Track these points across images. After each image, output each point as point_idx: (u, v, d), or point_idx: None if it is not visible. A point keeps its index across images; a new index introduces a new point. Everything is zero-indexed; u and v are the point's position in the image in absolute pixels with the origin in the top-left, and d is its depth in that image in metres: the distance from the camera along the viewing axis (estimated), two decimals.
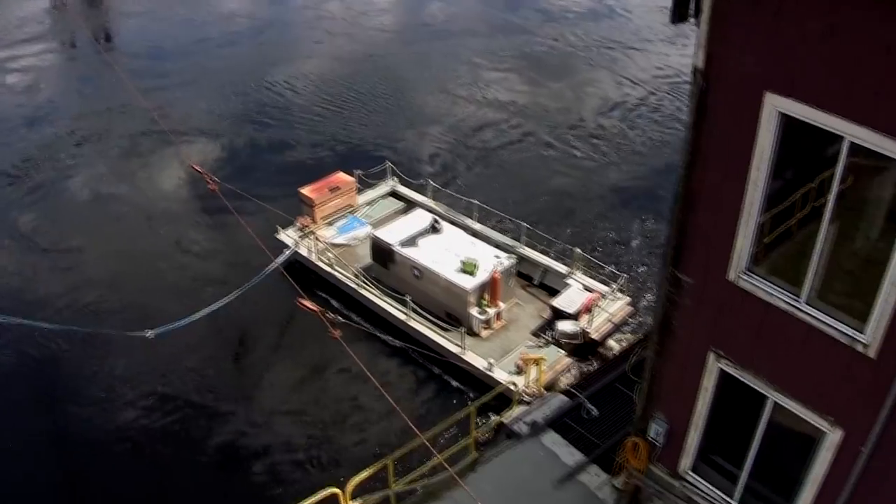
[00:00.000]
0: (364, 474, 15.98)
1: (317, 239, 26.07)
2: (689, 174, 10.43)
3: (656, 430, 12.91)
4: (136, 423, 21.75)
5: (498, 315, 23.04)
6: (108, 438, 21.45)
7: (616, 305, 23.02)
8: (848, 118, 8.40)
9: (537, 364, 20.19)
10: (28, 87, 41.21)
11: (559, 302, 22.78)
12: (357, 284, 24.62)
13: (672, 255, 11.15)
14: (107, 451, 21.14)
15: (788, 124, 9.13)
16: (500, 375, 20.60)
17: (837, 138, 8.63)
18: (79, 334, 23.23)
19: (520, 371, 20.55)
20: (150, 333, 21.21)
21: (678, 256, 11.10)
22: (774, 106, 9.11)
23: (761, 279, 10.17)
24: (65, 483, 20.55)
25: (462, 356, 21.81)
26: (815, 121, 8.75)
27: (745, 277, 10.27)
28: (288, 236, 26.35)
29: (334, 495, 15.64)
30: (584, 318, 22.14)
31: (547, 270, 24.60)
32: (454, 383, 22.12)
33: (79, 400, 22.55)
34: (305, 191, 26.63)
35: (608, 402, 18.97)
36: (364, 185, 28.49)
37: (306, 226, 26.45)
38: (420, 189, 28.37)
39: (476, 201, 26.23)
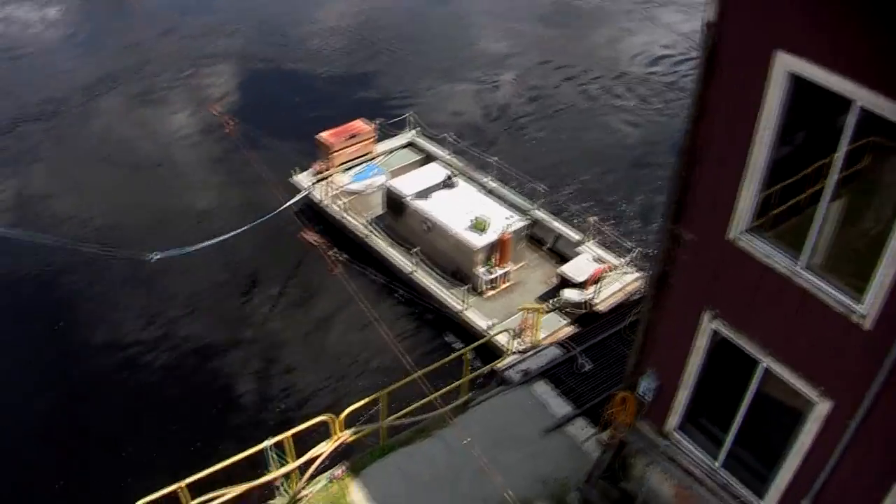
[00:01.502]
0: (356, 405, 16.20)
1: (331, 184, 25.94)
2: (696, 128, 10.12)
3: (646, 386, 12.76)
4: (131, 347, 22.02)
5: (504, 276, 22.85)
6: (102, 361, 21.72)
7: (625, 279, 22.68)
8: (858, 82, 8.05)
9: (535, 314, 20.07)
10: (47, 26, 41.31)
11: (568, 269, 22.53)
12: (367, 232, 24.52)
13: (673, 211, 10.89)
14: (100, 373, 21.42)
15: (798, 85, 8.78)
16: (501, 337, 20.43)
17: (848, 103, 8.29)
18: (83, 254, 23.28)
19: (519, 334, 20.37)
20: (153, 257, 21.34)
21: (679, 212, 10.83)
22: (784, 65, 8.76)
23: (761, 240, 9.87)
24: (59, 405, 20.73)
25: (464, 313, 21.70)
26: (825, 83, 8.40)
27: (744, 238, 9.99)
28: (302, 180, 26.26)
29: (327, 423, 15.88)
30: (591, 289, 21.88)
31: (560, 236, 24.30)
32: (452, 338, 22.02)
33: (77, 319, 22.86)
34: (323, 136, 26.49)
35: (602, 357, 18.88)
36: (384, 134, 28.28)
37: (321, 171, 26.33)
38: (439, 143, 28.03)
39: (495, 159, 25.93)
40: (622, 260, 23.08)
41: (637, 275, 22.85)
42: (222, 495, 15.13)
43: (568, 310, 21.64)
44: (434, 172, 24.97)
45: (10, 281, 24.33)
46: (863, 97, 8.08)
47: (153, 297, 23.58)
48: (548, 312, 21.31)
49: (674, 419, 12.73)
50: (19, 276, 24.52)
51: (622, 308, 21.05)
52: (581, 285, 21.94)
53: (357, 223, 24.93)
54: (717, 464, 12.06)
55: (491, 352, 20.18)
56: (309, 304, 23.62)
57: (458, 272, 22.80)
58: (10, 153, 30.46)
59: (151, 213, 26.85)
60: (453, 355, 18.62)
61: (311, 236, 22.39)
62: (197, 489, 14.69)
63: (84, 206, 27.33)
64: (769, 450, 11.08)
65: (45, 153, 30.59)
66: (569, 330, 21.08)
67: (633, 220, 26.75)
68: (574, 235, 23.99)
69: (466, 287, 21.97)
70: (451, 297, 22.17)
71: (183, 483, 14.34)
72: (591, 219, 23.77)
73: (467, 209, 23.09)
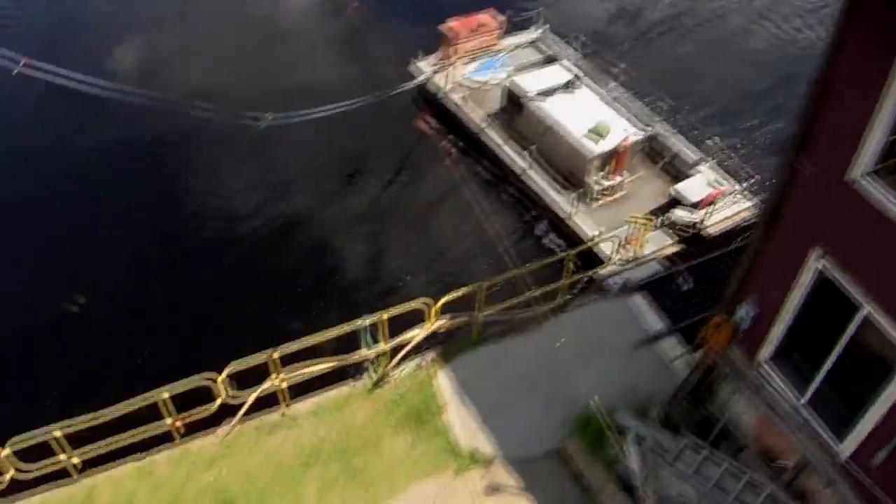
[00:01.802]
0: (454, 295, 16.50)
1: (451, 74, 25.89)
2: (831, 60, 9.71)
3: (743, 313, 12.69)
4: (234, 216, 22.85)
5: (616, 187, 22.65)
6: (204, 227, 22.62)
7: (738, 206, 22.19)
8: None
9: (644, 225, 20.01)
10: None
11: (682, 188, 22.16)
12: (483, 126, 24.52)
13: (796, 143, 10.57)
14: (202, 239, 22.32)
15: None
16: (605, 245, 20.42)
17: None
18: (195, 117, 23.44)
19: (624, 245, 20.32)
20: (263, 121, 21.63)
21: (802, 145, 10.51)
22: None
23: (881, 185, 9.54)
24: (158, 268, 21.67)
25: (571, 219, 21.73)
26: None
27: (864, 180, 9.66)
28: (422, 67, 26.27)
29: (423, 308, 16.28)
30: (703, 211, 21.53)
31: (677, 154, 23.75)
32: (556, 241, 22.11)
33: (181, 180, 23.67)
34: (449, 25, 26.26)
35: (702, 279, 18.73)
36: (510, 29, 27.77)
37: (443, 59, 26.25)
38: (566, 44, 27.42)
39: (622, 66, 25.36)
40: (738, 186, 22.51)
41: (750, 203, 22.29)
42: (311, 367, 15.83)
43: (676, 229, 21.39)
44: (557, 73, 24.61)
45: (120, 144, 24.95)
46: None
47: (261, 166, 24.23)
48: (656, 228, 21.16)
49: (766, 350, 12.67)
50: (130, 140, 25.11)
51: (730, 234, 20.64)
52: (693, 206, 21.61)
53: (474, 116, 24.89)
54: (802, 400, 12.02)
55: (592, 259, 20.24)
56: (417, 190, 23.96)
57: (570, 177, 22.70)
58: (136, 14, 31.05)
59: (268, 83, 27.17)
60: (555, 257, 18.78)
61: (426, 123, 22.50)
62: (287, 360, 15.41)
63: (202, 69, 27.80)
64: (856, 395, 10.98)
65: (170, 15, 31.04)
66: (673, 248, 20.88)
67: (755, 147, 25.88)
68: (692, 155, 23.45)
69: (577, 193, 21.90)
70: (560, 201, 22.17)
71: (275, 354, 15.04)
72: (713, 140, 23.16)
73: (587, 115, 22.80)
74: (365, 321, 15.81)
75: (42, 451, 14.54)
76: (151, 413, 14.97)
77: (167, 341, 19.77)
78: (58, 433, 14.20)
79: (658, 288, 18.46)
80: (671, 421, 14.81)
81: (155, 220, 22.85)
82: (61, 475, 15.27)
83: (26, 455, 14.55)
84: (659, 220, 21.64)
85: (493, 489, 14.95)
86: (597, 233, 20.92)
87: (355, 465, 15.40)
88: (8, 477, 14.69)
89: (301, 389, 16.38)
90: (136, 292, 21.00)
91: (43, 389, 18.77)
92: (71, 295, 20.50)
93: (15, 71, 19.32)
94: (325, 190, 23.60)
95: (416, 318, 16.68)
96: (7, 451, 14.12)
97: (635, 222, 20.07)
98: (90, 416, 14.20)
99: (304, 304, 20.62)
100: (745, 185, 22.42)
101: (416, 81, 25.29)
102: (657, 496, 13.19)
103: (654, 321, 17.56)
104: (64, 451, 14.64)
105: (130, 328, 20.19)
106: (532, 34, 28.10)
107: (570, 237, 21.65)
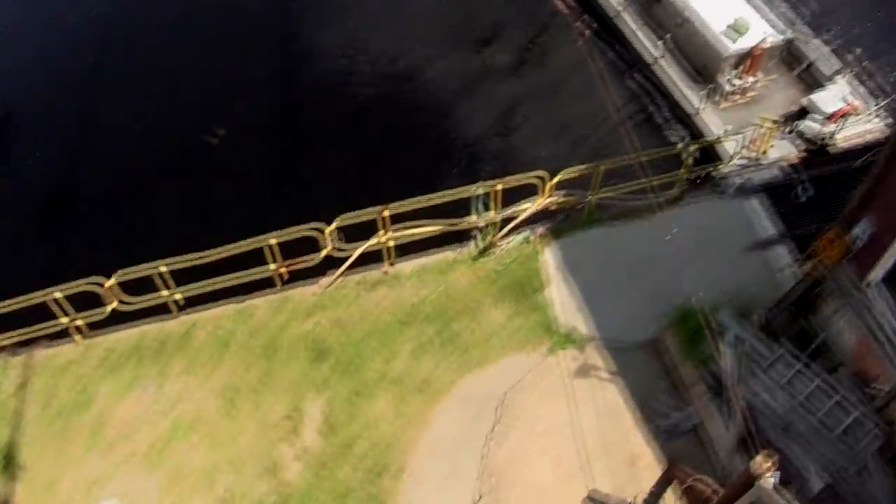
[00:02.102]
0: (570, 173, 16.85)
1: None
2: None
3: (860, 231, 12.68)
4: (357, 69, 23.24)
5: (748, 88, 22.12)
6: (328, 69, 23.13)
7: (870, 125, 21.40)
8: None
9: (770, 129, 19.73)
10: None
11: (815, 98, 21.48)
12: (619, 10, 24.13)
13: None
14: (325, 81, 22.78)
15: None
16: (728, 144, 20.18)
17: None
18: None
19: (748, 146, 20.04)
20: None
21: None
22: None
23: None
24: (280, 109, 22.41)
25: (698, 115, 21.47)
26: None
27: None
28: None
29: (537, 182, 16.60)
30: (834, 125, 20.95)
31: (816, 63, 22.87)
32: (680, 133, 21.88)
33: (312, 30, 24.17)
34: None
35: (823, 191, 18.61)
36: None
37: None
38: None
39: None
40: (873, 105, 21.74)
41: (882, 124, 21.52)
42: (419, 228, 16.30)
43: (803, 138, 20.93)
44: None
45: None
46: None
47: (393, 26, 24.35)
48: (782, 136, 20.77)
49: (877, 272, 12.70)
50: None
51: (857, 152, 20.14)
52: (825, 118, 21.05)
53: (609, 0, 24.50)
54: None
55: (713, 157, 20.12)
56: (544, 67, 23.88)
57: (702, 72, 22.26)
58: None
59: None
60: (676, 149, 18.75)
61: (563, 1, 22.12)
62: (397, 219, 15.91)
63: None
64: None
65: None
66: (797, 157, 20.52)
67: None
68: (830, 66, 22.52)
69: (707, 89, 21.53)
70: (688, 95, 21.89)
71: (385, 211, 15.50)
72: (855, 53, 22.22)
73: (727, 10, 22.07)
74: (478, 189, 16.14)
75: (146, 285, 15.49)
76: (255, 259, 15.67)
77: (278, 188, 20.56)
78: (163, 269, 15.09)
79: (776, 194, 18.39)
80: (770, 329, 15.02)
81: (286, 66, 23.46)
82: (162, 310, 16.30)
83: (130, 288, 15.46)
84: (787, 127, 21.16)
85: (584, 371, 15.48)
86: (722, 131, 20.65)
87: (452, 330, 16.09)
88: (110, 308, 15.71)
89: (406, 250, 16.99)
90: (269, 129, 21.79)
91: (161, 224, 19.90)
92: (211, 126, 21.40)
93: None
94: (453, 55, 23.70)
95: (528, 192, 17.02)
96: (112, 281, 15.04)
97: (762, 125, 19.76)
98: (196, 255, 15.01)
99: (418, 166, 21.07)
100: (880, 104, 21.61)
101: None
102: (744, 402, 13.47)
103: (767, 227, 17.57)
104: (167, 287, 15.54)
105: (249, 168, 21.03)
106: None
107: (694, 132, 21.46)
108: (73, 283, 15.11)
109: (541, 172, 16.48)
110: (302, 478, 14.60)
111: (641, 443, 14.64)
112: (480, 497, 14.25)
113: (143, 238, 19.36)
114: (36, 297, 15.09)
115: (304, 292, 16.76)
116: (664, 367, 15.46)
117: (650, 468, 14.24)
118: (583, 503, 13.95)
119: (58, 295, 15.11)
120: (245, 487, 14.61)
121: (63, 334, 16.28)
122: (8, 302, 15.03)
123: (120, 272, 15.03)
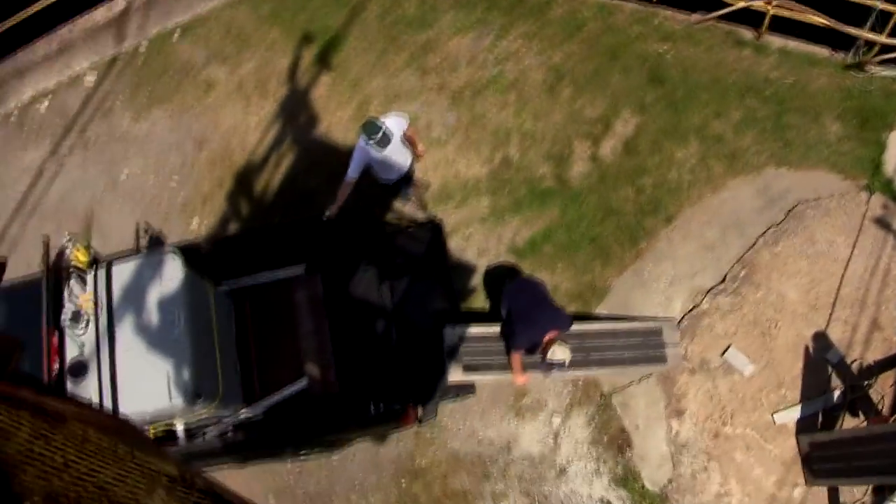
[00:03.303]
0: None
1: None
2: None
3: None
4: None
5: None
6: None
7: None
8: None
9: None
10: None
11: None
12: None
13: None
14: None
15: None
16: None
17: None
18: None
19: None
20: None
21: None
22: None
23: None
24: None
25: None
26: None
27: None
28: None
29: None
30: None
31: None
32: None
33: None
34: None
35: None
36: None
37: None
38: None
39: None
40: None
41: None
42: (807, 14, 15.51)
43: None
44: None
45: None
46: None
47: None
48: None
49: None
50: None
51: None
52: None
53: None
54: None
55: None
56: None
57: None
58: None
59: None
60: None
61: None
62: None
63: None
64: None
65: None
66: None
67: None
68: None
69: None
70: None
71: None
72: None
73: None
74: (878, 2, 15.18)
75: None
76: None
77: None
78: None
79: None
80: None
81: None
82: None
83: None
84: None
85: (884, 224, 14.97)
86: None
87: (784, 121, 15.78)
88: None
89: (781, 27, 16.37)
90: None
91: None
92: None
93: None
94: None
95: None
96: None
97: None
98: None
99: None
100: None
101: None
102: None
103: None
104: None
105: None
106: None
107: None
108: None
109: None
110: (582, 178, 15.46)
111: (893, 318, 14.42)
112: (724, 280, 14.76)
113: None
114: None
115: (673, 17, 16.65)
116: None
117: (885, 343, 14.14)
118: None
119: None
120: (528, 161, 15.64)
121: None
122: None
123: None
